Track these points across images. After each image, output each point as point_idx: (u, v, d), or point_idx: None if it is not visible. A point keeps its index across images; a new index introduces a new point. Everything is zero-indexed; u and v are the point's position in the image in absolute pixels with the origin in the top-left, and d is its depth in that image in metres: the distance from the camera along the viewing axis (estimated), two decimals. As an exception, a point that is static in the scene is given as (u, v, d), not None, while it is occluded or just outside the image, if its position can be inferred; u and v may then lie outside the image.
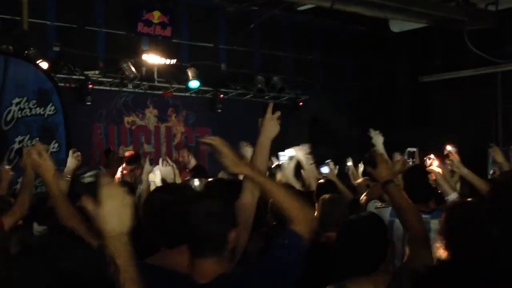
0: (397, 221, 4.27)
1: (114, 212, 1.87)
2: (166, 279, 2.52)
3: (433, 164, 6.34)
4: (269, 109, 3.16)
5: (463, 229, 2.95)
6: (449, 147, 6.45)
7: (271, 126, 3.13)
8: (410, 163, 4.97)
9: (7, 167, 5.41)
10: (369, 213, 3.68)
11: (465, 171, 5.58)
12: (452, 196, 4.61)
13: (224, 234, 2.45)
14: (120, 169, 7.28)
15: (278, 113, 3.18)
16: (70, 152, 5.44)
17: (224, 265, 2.48)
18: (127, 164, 7.51)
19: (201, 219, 2.44)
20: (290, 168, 6.88)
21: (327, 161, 7.30)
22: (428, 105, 13.96)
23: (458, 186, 5.86)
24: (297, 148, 6.97)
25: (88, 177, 6.44)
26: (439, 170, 5.21)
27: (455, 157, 5.49)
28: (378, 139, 5.91)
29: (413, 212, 3.26)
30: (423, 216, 4.52)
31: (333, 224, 4.19)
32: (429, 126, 13.10)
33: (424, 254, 3.04)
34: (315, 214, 4.19)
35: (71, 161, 5.47)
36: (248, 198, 2.97)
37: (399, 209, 3.27)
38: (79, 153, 5.51)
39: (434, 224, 4.12)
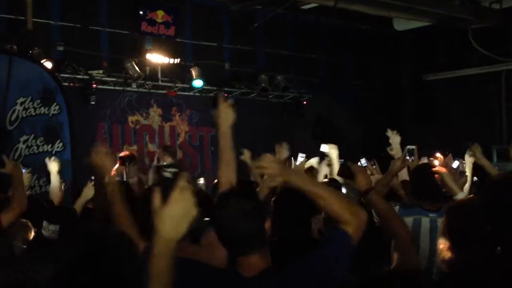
0: (405, 220, 4.27)
1: (177, 217, 1.88)
2: (209, 274, 2.50)
3: (435, 163, 6.35)
4: (221, 100, 3.21)
5: (464, 229, 2.95)
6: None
7: (226, 114, 3.17)
8: (410, 160, 4.96)
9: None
10: None
11: (485, 162, 5.61)
12: (460, 196, 4.61)
13: (261, 229, 2.47)
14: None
15: (230, 101, 3.24)
16: (89, 183, 5.37)
17: (267, 258, 2.48)
18: (121, 164, 7.47)
19: (237, 220, 2.43)
20: (323, 167, 6.91)
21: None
22: (432, 103, 13.94)
23: (467, 187, 5.87)
24: (331, 145, 6.96)
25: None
26: (443, 169, 5.22)
27: (478, 148, 5.53)
28: (395, 139, 5.91)
29: (397, 219, 3.22)
30: (431, 215, 4.53)
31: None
32: (433, 125, 13.10)
33: (411, 260, 3.04)
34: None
35: (89, 191, 5.41)
36: None
37: (383, 216, 3.19)
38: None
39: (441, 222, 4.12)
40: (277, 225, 4.09)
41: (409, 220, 4.39)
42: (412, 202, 4.89)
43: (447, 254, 2.80)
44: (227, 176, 3.06)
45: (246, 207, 2.44)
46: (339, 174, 3.47)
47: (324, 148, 6.97)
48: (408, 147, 4.96)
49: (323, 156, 6.95)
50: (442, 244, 2.87)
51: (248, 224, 2.43)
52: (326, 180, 6.49)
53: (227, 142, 3.15)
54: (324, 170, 6.97)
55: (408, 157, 4.92)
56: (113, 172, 6.42)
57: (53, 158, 5.62)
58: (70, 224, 4.33)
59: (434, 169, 5.09)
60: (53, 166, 5.73)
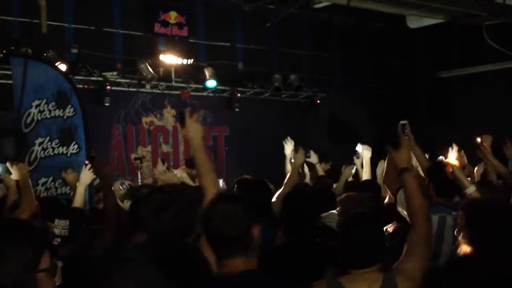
0: (431, 217, 4.27)
1: (195, 129, 3.12)
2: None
3: (450, 156, 6.29)
4: (186, 116, 3.19)
5: (483, 224, 2.95)
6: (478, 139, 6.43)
7: (195, 129, 3.17)
8: (405, 136, 4.91)
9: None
10: (373, 209, 3.64)
11: (495, 162, 5.57)
12: (470, 190, 4.56)
13: (246, 233, 2.48)
14: None
15: (195, 115, 3.26)
16: (83, 167, 5.29)
17: (252, 261, 2.50)
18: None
19: (222, 222, 2.48)
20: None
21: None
22: (447, 100, 13.85)
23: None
24: (364, 146, 6.97)
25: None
26: (455, 163, 5.18)
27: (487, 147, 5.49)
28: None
29: (424, 207, 3.21)
30: (453, 213, 4.49)
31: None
32: (448, 121, 13.01)
33: (421, 255, 3.03)
34: None
35: (86, 176, 5.35)
36: None
37: (411, 199, 3.21)
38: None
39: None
40: (285, 226, 4.12)
41: (434, 218, 4.35)
42: (434, 199, 4.83)
43: (468, 249, 2.82)
44: (213, 186, 3.07)
45: (231, 211, 2.50)
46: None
47: (359, 148, 7.00)
48: (401, 122, 4.91)
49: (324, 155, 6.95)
50: (461, 239, 2.88)
51: (232, 228, 2.47)
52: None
53: (202, 154, 3.17)
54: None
55: (402, 133, 4.88)
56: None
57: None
58: (79, 220, 4.36)
59: (445, 161, 5.05)
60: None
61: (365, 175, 6.76)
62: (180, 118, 3.20)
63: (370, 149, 6.79)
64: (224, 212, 2.50)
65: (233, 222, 2.48)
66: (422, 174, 5.70)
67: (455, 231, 3.31)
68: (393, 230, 3.91)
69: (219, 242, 2.50)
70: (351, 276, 2.90)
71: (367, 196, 4.67)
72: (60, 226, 4.34)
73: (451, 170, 4.74)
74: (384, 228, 3.60)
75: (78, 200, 5.12)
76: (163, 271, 1.49)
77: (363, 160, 6.81)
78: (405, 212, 4.48)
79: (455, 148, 6.60)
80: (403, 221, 4.36)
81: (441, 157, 7.06)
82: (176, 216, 2.83)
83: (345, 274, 2.95)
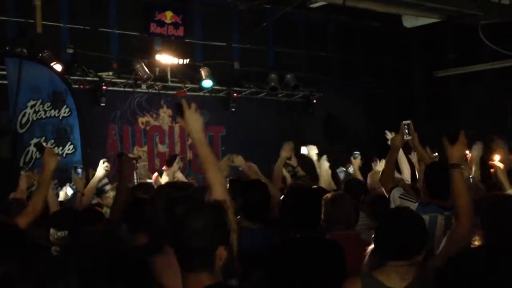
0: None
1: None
2: None
3: (495, 158, 6.24)
4: (185, 107, 3.07)
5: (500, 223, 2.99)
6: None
7: (193, 120, 3.05)
8: (406, 136, 4.91)
9: (27, 173, 5.43)
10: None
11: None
12: (510, 192, 4.57)
13: (212, 250, 2.40)
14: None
15: (193, 105, 3.10)
16: (101, 162, 5.41)
17: (217, 278, 2.43)
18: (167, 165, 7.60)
19: (192, 234, 2.40)
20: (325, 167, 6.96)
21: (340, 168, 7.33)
22: (444, 99, 13.87)
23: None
24: (310, 147, 6.95)
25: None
26: (501, 164, 5.15)
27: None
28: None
29: (469, 206, 3.20)
30: (446, 213, 4.49)
31: (338, 223, 4.18)
32: (446, 121, 13.01)
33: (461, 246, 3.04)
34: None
35: (100, 171, 5.44)
36: None
37: (457, 196, 3.24)
38: (108, 164, 5.48)
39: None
40: (289, 223, 4.11)
41: (425, 217, 4.34)
42: (427, 199, 4.84)
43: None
44: (219, 179, 2.97)
45: (200, 225, 2.40)
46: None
47: (304, 150, 6.97)
48: (404, 122, 4.91)
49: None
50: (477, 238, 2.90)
51: (198, 242, 2.40)
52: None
53: (204, 148, 3.03)
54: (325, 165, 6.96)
55: (405, 132, 4.88)
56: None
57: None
58: (78, 227, 4.33)
59: (491, 162, 5.05)
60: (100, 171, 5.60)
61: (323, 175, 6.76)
62: (178, 110, 3.09)
63: (316, 148, 6.80)
64: (192, 225, 2.40)
65: (201, 237, 2.39)
66: (409, 179, 5.74)
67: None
68: None
69: (182, 255, 2.43)
70: (385, 268, 2.91)
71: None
72: (57, 236, 4.31)
73: (494, 170, 4.74)
74: None
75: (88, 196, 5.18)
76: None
77: (313, 159, 6.80)
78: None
79: (500, 148, 6.55)
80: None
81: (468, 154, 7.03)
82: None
83: (379, 267, 2.95)
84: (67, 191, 6.07)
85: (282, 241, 4.01)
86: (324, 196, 4.44)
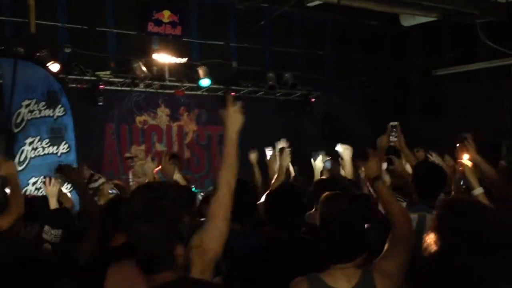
0: (411, 216, 4.26)
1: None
2: None
3: (463, 157, 6.25)
4: (229, 101, 3.02)
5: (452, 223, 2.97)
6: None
7: (234, 119, 2.98)
8: (393, 138, 4.91)
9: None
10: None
11: (478, 159, 5.54)
12: (478, 191, 4.55)
13: (169, 251, 2.39)
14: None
15: (239, 104, 3.03)
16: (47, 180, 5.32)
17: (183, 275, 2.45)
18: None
19: (144, 238, 2.39)
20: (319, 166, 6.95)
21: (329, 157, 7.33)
22: (441, 98, 13.86)
23: None
24: (344, 146, 6.94)
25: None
26: (469, 163, 5.15)
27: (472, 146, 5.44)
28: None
29: (402, 211, 3.24)
30: (434, 212, 4.49)
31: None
32: (443, 120, 13.02)
33: (400, 255, 3.03)
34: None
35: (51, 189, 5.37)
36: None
37: (388, 207, 3.23)
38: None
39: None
40: (271, 224, 4.12)
41: (414, 216, 4.36)
42: (416, 199, 4.87)
43: (433, 247, 2.80)
44: (230, 184, 2.90)
45: (150, 229, 2.39)
46: (354, 156, 3.54)
47: (339, 148, 6.97)
48: (391, 123, 4.92)
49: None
50: (430, 238, 2.87)
51: (153, 244, 2.39)
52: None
53: (232, 149, 2.95)
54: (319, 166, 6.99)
55: (392, 134, 4.89)
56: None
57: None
58: (72, 227, 4.37)
59: (459, 160, 5.03)
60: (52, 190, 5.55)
61: (348, 174, 6.74)
62: (223, 100, 3.04)
63: (350, 148, 6.77)
64: (143, 230, 2.38)
65: (154, 241, 2.38)
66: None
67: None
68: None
69: (143, 258, 2.43)
70: (330, 271, 2.93)
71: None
72: (52, 234, 4.34)
73: (462, 169, 4.74)
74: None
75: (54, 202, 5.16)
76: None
77: (344, 160, 6.78)
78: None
79: (470, 147, 6.55)
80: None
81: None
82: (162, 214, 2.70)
83: (324, 270, 2.96)
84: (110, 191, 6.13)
85: (266, 242, 4.03)
86: (323, 195, 4.46)
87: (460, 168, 4.72)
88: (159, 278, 2.38)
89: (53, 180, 5.12)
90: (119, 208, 3.37)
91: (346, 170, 6.76)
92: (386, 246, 3.14)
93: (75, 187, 4.65)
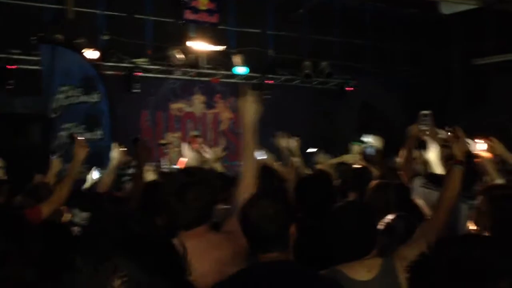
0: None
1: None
2: None
3: (480, 147, 6.14)
4: (245, 91, 3.06)
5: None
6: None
7: (251, 108, 3.02)
8: (424, 127, 4.80)
9: (55, 157, 5.54)
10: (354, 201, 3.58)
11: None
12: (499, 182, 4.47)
13: (284, 231, 2.52)
14: None
15: (256, 93, 3.09)
16: (112, 146, 5.53)
17: (288, 257, 2.54)
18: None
19: (261, 220, 2.50)
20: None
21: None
22: (482, 88, 13.56)
23: None
24: (376, 137, 6.85)
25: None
26: (488, 154, 5.05)
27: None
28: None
29: (452, 204, 3.17)
30: (469, 202, 4.41)
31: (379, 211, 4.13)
32: (483, 109, 12.74)
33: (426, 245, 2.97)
34: None
35: (116, 156, 5.57)
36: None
37: (447, 189, 3.17)
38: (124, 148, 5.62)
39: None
40: (299, 211, 4.08)
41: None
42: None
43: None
44: (253, 170, 3.00)
45: (270, 210, 2.50)
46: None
47: (367, 138, 6.85)
48: (423, 112, 4.80)
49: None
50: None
51: (271, 226, 2.49)
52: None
53: (251, 138, 3.01)
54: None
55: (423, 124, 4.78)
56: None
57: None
58: (100, 210, 4.39)
59: (476, 153, 4.94)
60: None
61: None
62: (242, 90, 3.09)
63: (379, 138, 6.65)
64: (265, 211, 2.50)
65: (273, 221, 2.49)
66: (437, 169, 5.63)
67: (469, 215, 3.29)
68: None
69: (258, 240, 2.53)
70: (350, 263, 2.87)
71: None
72: (81, 218, 4.38)
73: (481, 160, 4.65)
74: None
75: (105, 180, 5.25)
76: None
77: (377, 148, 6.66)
78: (420, 201, 4.42)
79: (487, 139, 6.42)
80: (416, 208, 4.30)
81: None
82: (197, 198, 2.75)
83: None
84: (92, 176, 6.15)
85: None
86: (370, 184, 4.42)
87: (477, 160, 4.62)
88: (268, 257, 2.51)
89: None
90: (154, 192, 3.39)
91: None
92: (415, 235, 3.08)
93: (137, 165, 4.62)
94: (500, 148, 5.20)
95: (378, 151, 7.83)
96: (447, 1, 11.19)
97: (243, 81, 11.99)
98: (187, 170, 3.29)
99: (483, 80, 13.62)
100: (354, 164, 7.03)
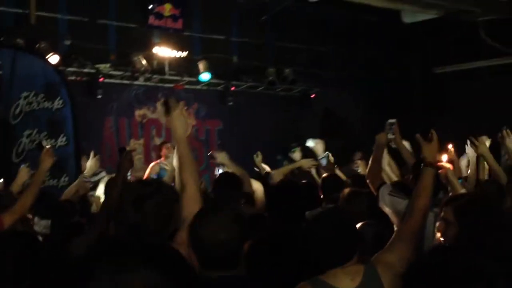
0: None
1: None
2: None
3: (442, 158, 6.28)
4: (172, 104, 3.10)
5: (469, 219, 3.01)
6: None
7: (179, 121, 3.08)
8: (391, 135, 4.89)
9: (23, 166, 5.44)
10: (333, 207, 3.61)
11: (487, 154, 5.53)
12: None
13: (238, 253, 2.52)
14: None
15: (181, 106, 3.12)
16: (91, 154, 5.50)
17: (241, 272, 2.54)
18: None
19: (213, 246, 2.49)
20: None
21: (325, 153, 7.32)
22: (442, 96, 13.81)
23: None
24: (316, 141, 6.89)
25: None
26: (449, 165, 5.16)
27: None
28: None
29: (426, 208, 3.22)
30: (434, 209, 4.46)
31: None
32: (444, 117, 12.97)
33: (406, 248, 3.01)
34: None
35: (91, 164, 5.55)
36: None
37: (419, 194, 3.22)
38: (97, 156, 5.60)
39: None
40: (272, 219, 4.08)
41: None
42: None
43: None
44: (195, 179, 3.02)
45: (222, 235, 2.47)
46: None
47: (310, 143, 6.90)
48: (389, 120, 4.89)
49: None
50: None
51: (221, 251, 2.48)
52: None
53: (185, 150, 3.05)
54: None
55: (389, 131, 4.87)
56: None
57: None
58: (61, 219, 4.33)
59: (439, 164, 5.02)
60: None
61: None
62: (166, 106, 3.09)
63: (323, 142, 6.73)
64: (216, 236, 2.47)
65: (225, 246, 2.47)
66: (393, 177, 5.71)
67: (436, 226, 3.32)
68: None
69: (206, 259, 2.50)
70: (332, 272, 2.88)
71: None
72: (41, 226, 4.30)
73: (444, 172, 4.72)
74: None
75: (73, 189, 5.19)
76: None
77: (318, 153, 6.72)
78: (387, 209, 4.46)
79: (448, 149, 6.58)
80: (384, 216, 4.35)
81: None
82: (155, 209, 2.74)
83: (326, 272, 2.92)
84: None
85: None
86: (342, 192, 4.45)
87: (440, 171, 4.70)
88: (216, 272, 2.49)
89: None
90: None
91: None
92: (392, 239, 3.12)
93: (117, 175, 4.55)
94: (484, 148, 5.33)
95: (330, 161, 7.95)
96: (408, 10, 11.37)
97: (206, 87, 11.99)
98: (145, 180, 3.30)
99: (443, 88, 13.88)
100: (310, 169, 7.11)
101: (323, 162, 7.29)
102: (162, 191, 2.80)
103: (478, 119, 11.88)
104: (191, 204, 2.86)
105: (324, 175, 6.36)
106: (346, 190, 4.71)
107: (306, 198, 4.50)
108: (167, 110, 3.08)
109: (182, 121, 3.07)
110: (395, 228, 4.42)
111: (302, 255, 3.28)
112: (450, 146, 7.60)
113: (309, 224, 3.12)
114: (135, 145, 11.06)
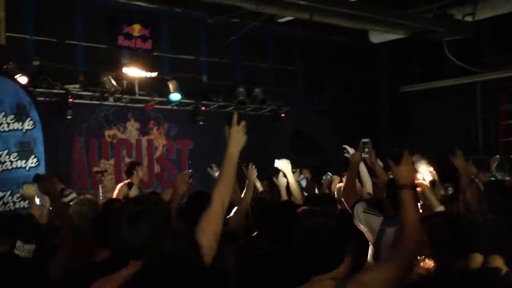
0: (387, 230, 4.26)
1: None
2: None
3: (418, 177, 6.36)
4: (235, 119, 3.14)
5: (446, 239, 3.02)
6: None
7: (238, 137, 3.11)
8: (365, 154, 4.96)
9: None
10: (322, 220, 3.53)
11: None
12: (439, 210, 4.62)
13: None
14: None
15: (243, 123, 3.17)
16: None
17: None
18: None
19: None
20: (283, 182, 6.74)
21: (301, 176, 7.38)
22: (409, 114, 14.06)
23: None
24: (283, 161, 6.86)
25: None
26: (426, 183, 5.23)
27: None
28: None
29: (416, 225, 3.00)
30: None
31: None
32: (410, 135, 13.19)
33: (392, 269, 2.92)
34: None
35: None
36: None
37: (404, 219, 2.98)
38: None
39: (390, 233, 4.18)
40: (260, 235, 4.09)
41: (391, 231, 4.35)
42: (391, 212, 4.88)
43: (431, 264, 2.85)
44: (223, 197, 3.03)
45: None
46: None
47: (277, 164, 6.85)
48: (363, 140, 4.96)
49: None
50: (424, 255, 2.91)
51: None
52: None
53: (232, 167, 3.08)
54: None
55: (363, 151, 4.94)
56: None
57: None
58: (45, 241, 4.28)
59: (415, 181, 5.08)
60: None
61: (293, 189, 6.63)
62: (229, 120, 3.13)
63: (288, 162, 6.73)
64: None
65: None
66: (370, 191, 5.79)
67: None
68: None
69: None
70: (308, 284, 2.89)
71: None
72: (25, 250, 4.23)
73: (420, 189, 4.77)
74: None
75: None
76: None
77: (287, 175, 6.66)
78: (362, 226, 4.52)
79: (426, 166, 6.67)
80: (359, 234, 4.39)
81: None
82: (151, 228, 2.70)
83: (302, 284, 2.93)
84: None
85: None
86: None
87: (418, 189, 4.73)
88: None
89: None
90: (103, 223, 3.33)
91: (291, 185, 6.60)
92: (381, 260, 3.11)
93: (50, 198, 4.54)
94: (462, 163, 5.43)
95: (308, 181, 8.01)
96: (375, 30, 11.58)
97: (177, 107, 11.98)
98: (137, 199, 3.24)
99: (410, 106, 14.13)
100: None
101: (303, 183, 7.35)
102: (155, 208, 2.79)
103: (443, 137, 12.12)
104: (207, 222, 2.93)
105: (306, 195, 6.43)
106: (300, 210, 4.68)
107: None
108: (230, 123, 3.14)
109: (239, 139, 3.11)
110: (371, 246, 4.47)
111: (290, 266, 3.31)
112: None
113: (299, 236, 3.10)
114: (106, 165, 10.98)
